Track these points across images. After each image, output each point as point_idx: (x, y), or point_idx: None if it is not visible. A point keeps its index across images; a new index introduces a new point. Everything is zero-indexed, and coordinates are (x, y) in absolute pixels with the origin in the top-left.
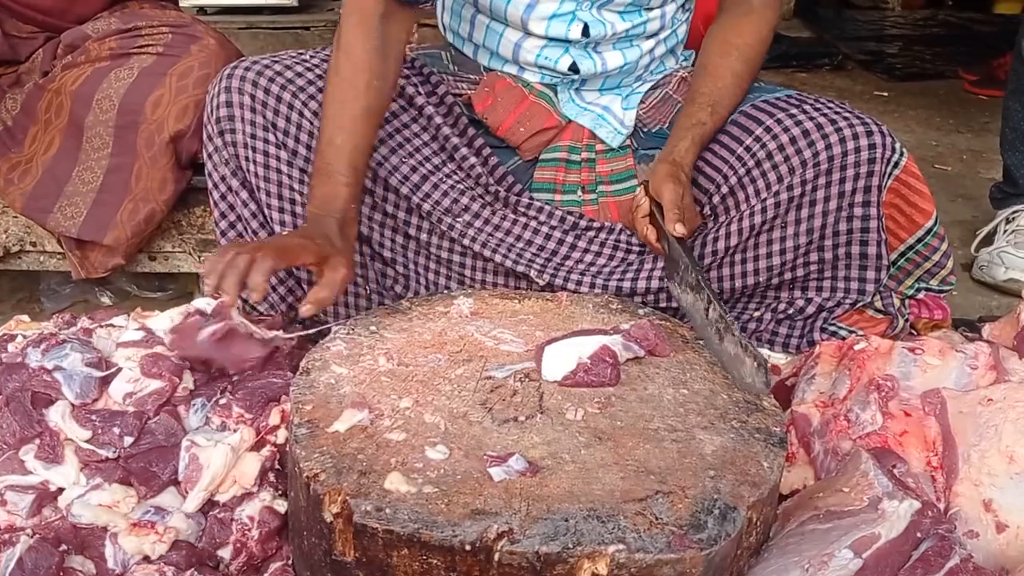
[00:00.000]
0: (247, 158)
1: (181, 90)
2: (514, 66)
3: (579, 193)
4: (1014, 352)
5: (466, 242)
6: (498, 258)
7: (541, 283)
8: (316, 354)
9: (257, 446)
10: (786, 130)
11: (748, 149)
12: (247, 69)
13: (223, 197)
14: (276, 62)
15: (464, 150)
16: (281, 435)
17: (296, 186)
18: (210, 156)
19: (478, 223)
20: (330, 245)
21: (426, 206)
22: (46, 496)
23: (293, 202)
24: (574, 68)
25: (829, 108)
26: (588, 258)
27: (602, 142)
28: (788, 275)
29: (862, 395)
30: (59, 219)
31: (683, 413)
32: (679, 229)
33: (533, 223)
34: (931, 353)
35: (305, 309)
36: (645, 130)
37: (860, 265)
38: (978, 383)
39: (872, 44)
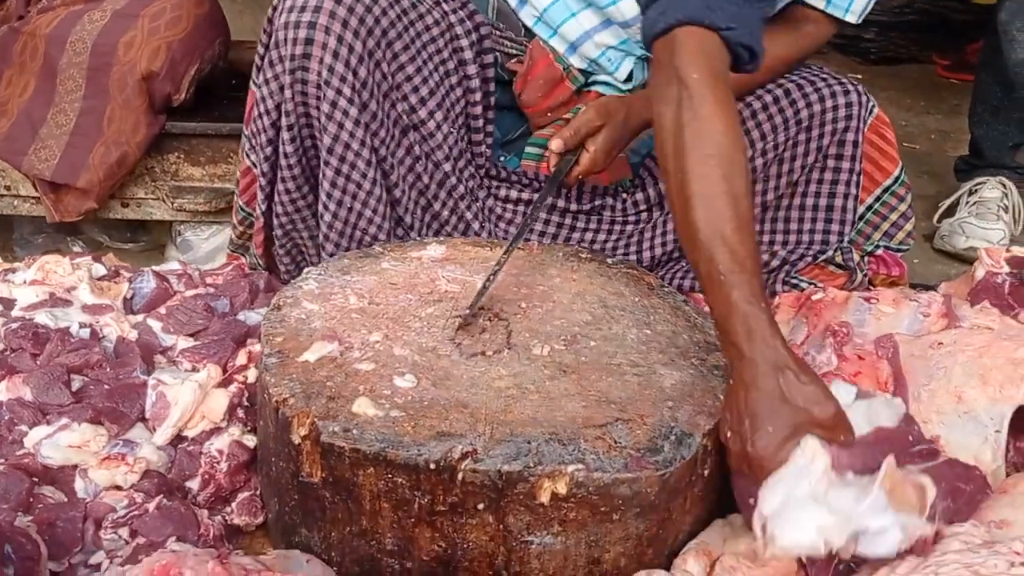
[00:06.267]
0: (316, 106)
1: (153, 31)
2: (567, 45)
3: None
4: (966, 301)
5: (476, 227)
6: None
7: None
8: (288, 292)
9: (225, 383)
10: (769, 91)
11: None
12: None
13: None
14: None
15: (479, 135)
16: (251, 375)
17: (355, 146)
18: (267, 82)
19: (485, 211)
20: None
21: (461, 188)
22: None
23: (343, 160)
24: (630, 77)
25: (807, 71)
26: (588, 236)
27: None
28: (767, 225)
29: (818, 340)
30: (33, 161)
31: (645, 351)
32: (553, 144)
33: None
34: (885, 302)
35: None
36: None
37: (826, 218)
38: (930, 329)
39: (848, 29)
